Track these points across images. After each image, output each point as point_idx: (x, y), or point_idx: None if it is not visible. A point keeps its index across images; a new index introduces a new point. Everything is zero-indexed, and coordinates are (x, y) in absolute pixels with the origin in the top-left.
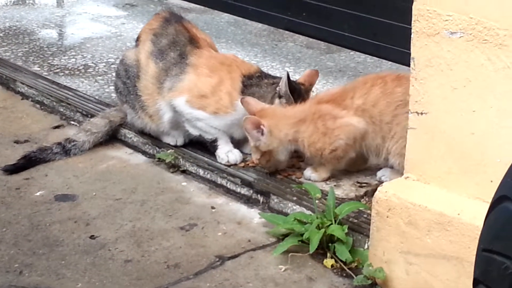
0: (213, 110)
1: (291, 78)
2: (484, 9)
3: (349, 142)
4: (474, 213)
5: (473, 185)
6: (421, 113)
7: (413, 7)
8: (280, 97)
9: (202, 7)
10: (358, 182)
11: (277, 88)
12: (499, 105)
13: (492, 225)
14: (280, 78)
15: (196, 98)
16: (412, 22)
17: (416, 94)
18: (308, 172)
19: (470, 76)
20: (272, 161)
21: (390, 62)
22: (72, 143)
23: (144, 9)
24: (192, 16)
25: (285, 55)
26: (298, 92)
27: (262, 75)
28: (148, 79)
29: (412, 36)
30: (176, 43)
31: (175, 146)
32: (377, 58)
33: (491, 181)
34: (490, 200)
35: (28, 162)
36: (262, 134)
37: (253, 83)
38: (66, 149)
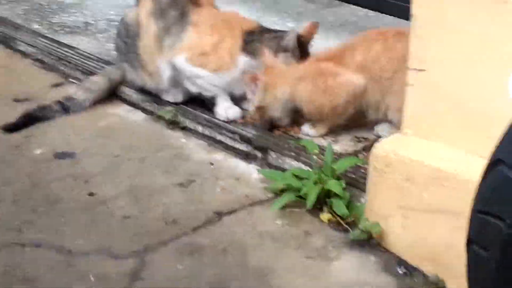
0: (213, 67)
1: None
2: None
3: (349, 100)
4: (471, 169)
5: (470, 141)
6: (420, 70)
7: None
8: (285, 51)
9: None
10: (356, 137)
11: (284, 43)
12: (499, 62)
13: (487, 188)
14: (282, 31)
15: (197, 56)
16: None
17: (415, 51)
18: (306, 128)
19: (470, 32)
20: (266, 117)
21: (391, 17)
22: (72, 101)
23: None
24: None
25: (286, 10)
26: (303, 47)
27: (264, 30)
28: (149, 38)
29: None
30: (177, 2)
31: (175, 103)
32: (379, 12)
33: (489, 137)
34: (487, 156)
35: (28, 120)
36: (257, 88)
37: (255, 38)
38: (65, 107)
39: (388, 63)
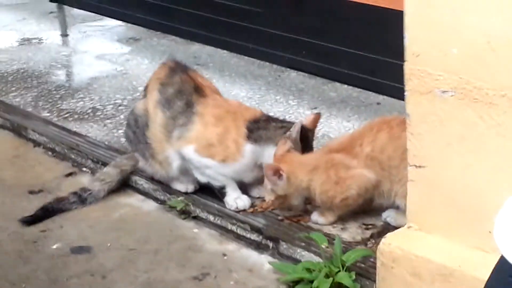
0: (221, 158)
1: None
2: (472, 69)
3: (361, 192)
4: (475, 265)
5: (473, 236)
6: (419, 166)
7: (405, 66)
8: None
9: None
10: (364, 224)
11: (288, 133)
12: (493, 160)
13: None
14: (288, 121)
15: (204, 147)
16: (405, 80)
17: (413, 148)
18: (315, 216)
19: (463, 132)
20: (285, 204)
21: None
22: (88, 192)
23: (147, 43)
24: (195, 48)
25: (288, 87)
26: (306, 138)
27: (269, 119)
28: (157, 128)
29: (406, 93)
30: (182, 92)
31: (186, 193)
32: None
33: (490, 232)
34: (489, 250)
35: (45, 213)
36: (281, 179)
37: (260, 126)
38: (82, 198)
39: (395, 151)
